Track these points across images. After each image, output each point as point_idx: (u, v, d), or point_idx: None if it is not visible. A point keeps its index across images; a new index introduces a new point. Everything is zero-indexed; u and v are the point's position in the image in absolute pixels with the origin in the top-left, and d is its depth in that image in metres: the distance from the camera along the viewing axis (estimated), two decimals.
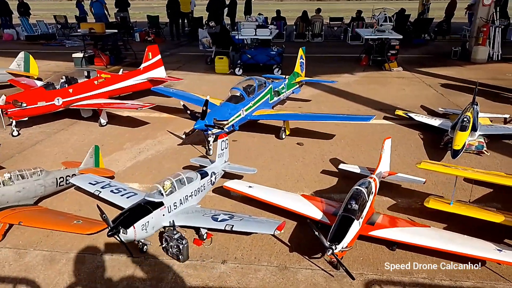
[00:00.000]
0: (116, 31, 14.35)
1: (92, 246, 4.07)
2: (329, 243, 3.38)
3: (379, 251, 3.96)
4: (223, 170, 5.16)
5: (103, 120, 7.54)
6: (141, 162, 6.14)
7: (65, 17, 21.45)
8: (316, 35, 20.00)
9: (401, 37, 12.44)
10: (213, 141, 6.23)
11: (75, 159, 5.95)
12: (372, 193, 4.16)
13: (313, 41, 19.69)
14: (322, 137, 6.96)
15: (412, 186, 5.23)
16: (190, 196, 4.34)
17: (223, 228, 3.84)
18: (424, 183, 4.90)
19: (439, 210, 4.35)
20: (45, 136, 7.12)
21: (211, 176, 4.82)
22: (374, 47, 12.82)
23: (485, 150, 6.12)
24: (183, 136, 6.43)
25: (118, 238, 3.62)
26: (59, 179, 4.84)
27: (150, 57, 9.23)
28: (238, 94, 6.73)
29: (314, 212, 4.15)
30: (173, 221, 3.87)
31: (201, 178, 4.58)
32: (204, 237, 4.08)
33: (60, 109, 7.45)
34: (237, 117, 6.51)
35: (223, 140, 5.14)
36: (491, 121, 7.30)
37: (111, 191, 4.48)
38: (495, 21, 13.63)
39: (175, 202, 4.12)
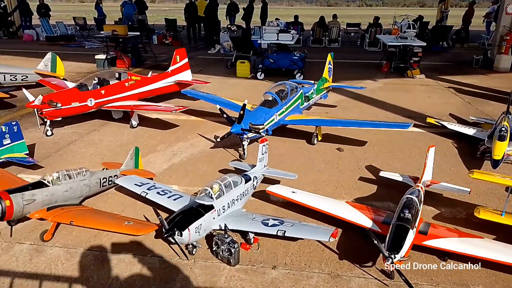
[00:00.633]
0: (138, 33, 14.45)
1: (141, 248, 4.07)
2: (388, 253, 3.34)
3: (430, 261, 3.91)
4: (263, 175, 5.15)
5: (134, 122, 7.58)
6: (176, 164, 6.16)
7: (84, 18, 21.68)
8: (333, 41, 20.04)
9: (424, 44, 12.40)
10: (247, 145, 6.25)
11: (111, 160, 6.02)
12: (421, 202, 4.12)
13: (330, 47, 19.70)
14: (354, 144, 6.93)
15: (454, 196, 5.17)
16: (236, 200, 4.34)
17: (275, 234, 3.82)
18: (469, 193, 4.84)
19: (486, 221, 4.30)
20: (78, 137, 7.17)
21: (253, 181, 4.82)
22: (396, 54, 12.77)
23: None
24: (218, 140, 6.43)
25: (173, 240, 3.62)
26: (102, 179, 4.86)
27: (178, 60, 9.29)
28: (271, 98, 6.73)
29: (362, 219, 4.12)
30: (225, 224, 3.86)
31: (245, 182, 4.58)
32: (251, 242, 4.07)
33: (92, 110, 7.50)
34: (271, 121, 6.51)
35: (264, 145, 5.13)
36: None
37: (157, 192, 4.48)
38: None
39: (224, 206, 4.12)
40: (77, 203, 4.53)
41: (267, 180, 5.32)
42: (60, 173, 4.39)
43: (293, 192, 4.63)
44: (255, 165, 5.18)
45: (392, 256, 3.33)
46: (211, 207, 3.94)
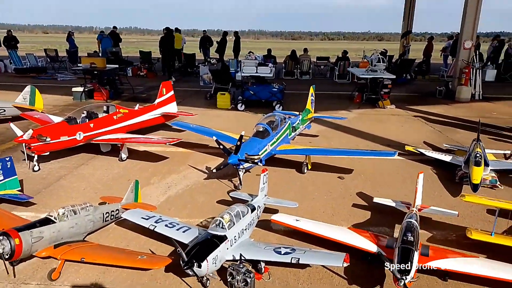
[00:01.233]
0: (117, 66, 14.49)
1: (154, 282, 4.05)
2: (400, 275, 3.55)
3: (432, 282, 4.15)
4: (264, 204, 5.30)
5: (124, 155, 7.55)
6: (173, 197, 6.18)
7: (55, 50, 21.44)
8: (304, 73, 20.90)
9: (394, 76, 13.26)
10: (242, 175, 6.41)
11: (105, 194, 5.97)
12: (419, 225, 4.41)
13: (302, 79, 20.54)
14: (341, 172, 7.23)
15: (441, 219, 5.52)
16: (244, 229, 4.44)
17: (289, 261, 3.94)
18: (457, 216, 5.19)
19: (475, 241, 4.64)
20: (67, 171, 7.04)
21: (257, 210, 4.95)
22: (368, 86, 13.53)
23: (499, 184, 6.56)
24: (213, 171, 6.53)
25: (191, 272, 3.66)
26: (105, 214, 4.82)
27: (164, 93, 9.43)
28: (264, 129, 6.98)
29: (366, 244, 4.33)
30: (240, 254, 3.94)
31: (251, 212, 4.70)
32: (262, 271, 4.15)
33: (81, 143, 7.43)
34: (264, 151, 6.73)
35: (265, 174, 5.32)
36: (495, 157, 7.82)
37: (165, 225, 4.51)
38: (476, 64, 14.77)
39: (235, 236, 4.21)
40: (81, 239, 4.46)
41: (265, 209, 5.46)
42: (66, 209, 4.35)
43: (297, 220, 4.80)
44: (254, 195, 5.33)
45: (404, 277, 3.54)
46: (224, 238, 4.02)
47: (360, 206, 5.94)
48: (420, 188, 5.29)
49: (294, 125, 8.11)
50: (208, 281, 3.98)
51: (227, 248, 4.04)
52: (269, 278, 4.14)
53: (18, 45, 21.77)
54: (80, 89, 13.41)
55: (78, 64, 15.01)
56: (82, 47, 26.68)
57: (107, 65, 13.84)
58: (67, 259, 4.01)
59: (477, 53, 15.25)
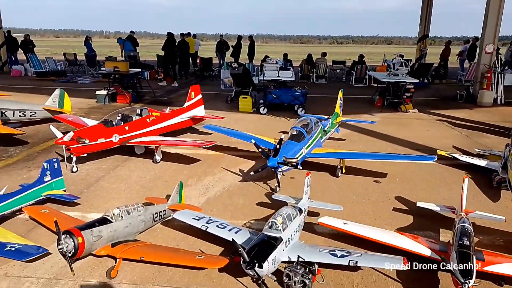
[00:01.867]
0: (139, 70, 14.65)
1: (210, 282, 4.08)
2: (463, 279, 3.55)
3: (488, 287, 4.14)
4: (308, 207, 5.31)
5: (158, 157, 7.63)
6: (212, 198, 6.23)
7: (74, 54, 21.73)
8: (320, 77, 20.93)
9: (417, 81, 13.22)
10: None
11: (144, 195, 6.05)
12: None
13: (317, 82, 20.57)
14: (375, 176, 7.22)
15: (485, 223, 5.49)
16: (295, 231, 4.47)
17: (347, 264, 3.95)
18: (505, 221, 5.17)
19: None
20: (104, 172, 7.13)
21: (304, 212, 4.97)
22: (390, 89, 13.51)
23: None
24: (251, 173, 6.57)
25: (252, 273, 3.69)
26: (154, 214, 4.89)
27: (193, 96, 9.52)
28: (299, 132, 7.00)
29: (419, 248, 4.32)
30: (298, 256, 3.96)
31: (300, 214, 4.72)
32: (315, 273, 4.17)
33: (116, 145, 7.52)
34: (300, 155, 6.75)
35: (308, 177, 5.33)
36: None
37: (217, 226, 4.55)
38: (497, 68, 14.69)
39: (288, 237, 4.23)
40: (134, 239, 4.52)
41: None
42: (120, 209, 4.41)
43: (344, 223, 4.81)
44: (298, 198, 5.35)
45: (467, 281, 3.54)
46: (280, 239, 4.05)
47: (400, 210, 5.92)
48: (465, 192, 5.27)
49: (325, 128, 8.13)
50: (262, 282, 3.99)
51: (283, 250, 4.07)
52: (323, 281, 4.15)
53: (34, 49, 22.17)
54: (104, 92, 13.58)
55: (102, 68, 15.18)
56: (97, 51, 26.99)
57: (130, 69, 13.99)
58: (126, 258, 4.07)
59: (498, 57, 15.16)
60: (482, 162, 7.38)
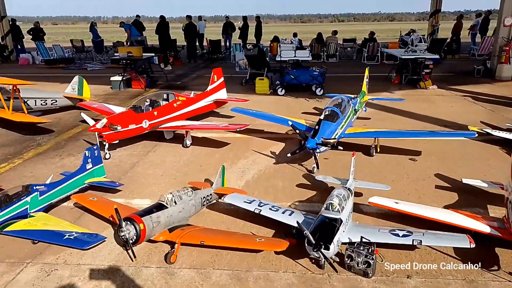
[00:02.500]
0: (153, 54, 14.45)
1: (269, 264, 4.07)
2: None
3: None
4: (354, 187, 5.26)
5: (188, 142, 7.56)
6: (251, 181, 6.18)
7: (82, 41, 21.44)
8: (331, 56, 20.64)
9: (437, 56, 12.98)
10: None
11: (182, 180, 6.02)
12: None
13: (328, 61, 20.29)
14: (409, 154, 7.14)
15: None
16: (350, 212, 4.42)
17: (411, 243, 3.92)
18: None
19: None
20: (137, 158, 7.08)
21: (352, 193, 4.91)
22: (410, 66, 13.28)
23: None
24: (288, 155, 6.51)
25: (317, 255, 3.67)
26: (203, 199, 4.85)
27: (216, 80, 9.38)
28: (333, 112, 6.89)
29: (480, 226, 4.25)
30: (361, 236, 3.92)
31: (351, 195, 4.67)
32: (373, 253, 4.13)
33: (146, 131, 7.45)
34: (336, 135, 6.66)
35: (354, 158, 5.26)
36: None
37: (269, 208, 4.51)
38: None
39: (346, 219, 4.19)
40: (186, 223, 4.49)
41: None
42: (173, 194, 4.37)
43: (396, 202, 4.75)
44: (343, 179, 5.29)
45: None
46: (340, 220, 4.01)
47: (444, 188, 5.86)
48: None
49: (355, 107, 8.01)
50: (324, 263, 3.97)
51: (343, 231, 4.03)
52: (382, 260, 4.13)
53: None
54: (119, 78, 13.42)
55: (116, 54, 14.98)
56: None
57: (144, 54, 13.79)
58: (186, 243, 4.05)
59: None
60: None
